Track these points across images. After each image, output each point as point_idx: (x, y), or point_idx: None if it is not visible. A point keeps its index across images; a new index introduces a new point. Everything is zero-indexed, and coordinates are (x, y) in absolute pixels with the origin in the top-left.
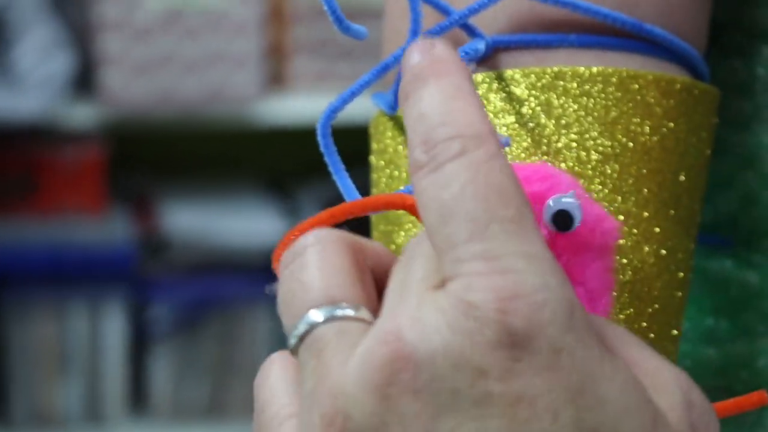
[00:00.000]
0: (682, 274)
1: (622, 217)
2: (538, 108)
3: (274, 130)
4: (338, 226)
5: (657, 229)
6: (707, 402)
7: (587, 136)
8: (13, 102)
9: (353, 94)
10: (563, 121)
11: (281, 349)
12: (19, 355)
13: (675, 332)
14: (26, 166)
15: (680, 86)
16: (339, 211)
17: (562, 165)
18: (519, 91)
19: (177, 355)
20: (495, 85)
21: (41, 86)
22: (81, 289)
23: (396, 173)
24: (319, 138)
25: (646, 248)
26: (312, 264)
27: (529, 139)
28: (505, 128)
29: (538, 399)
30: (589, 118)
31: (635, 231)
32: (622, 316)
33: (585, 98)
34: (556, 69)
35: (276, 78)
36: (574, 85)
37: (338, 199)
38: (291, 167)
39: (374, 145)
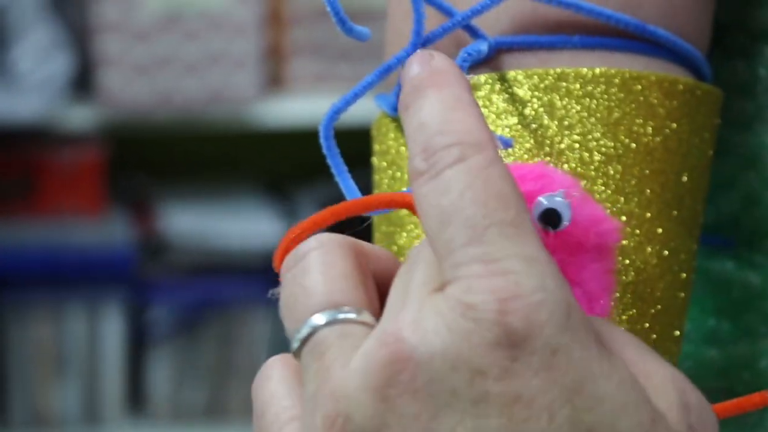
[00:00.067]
0: (684, 275)
1: (624, 218)
2: (541, 109)
3: (273, 132)
4: (341, 230)
5: (660, 230)
6: (705, 402)
7: (590, 137)
8: (12, 103)
9: (356, 96)
10: (566, 122)
11: (280, 351)
12: (18, 356)
13: (677, 333)
14: (25, 167)
15: (683, 87)
16: (340, 209)
17: (565, 166)
18: (522, 92)
19: (176, 357)
20: (498, 87)
21: (40, 87)
22: (79, 291)
23: (398, 174)
24: (322, 139)
25: (649, 249)
26: (314, 268)
27: (531, 140)
28: (507, 129)
29: (536, 399)
30: (592, 119)
31: (638, 232)
32: (624, 317)
33: (588, 99)
34: (558, 70)
35: (275, 79)
36: (577, 86)
37: (337, 200)
38: (290, 169)
39: (376, 147)
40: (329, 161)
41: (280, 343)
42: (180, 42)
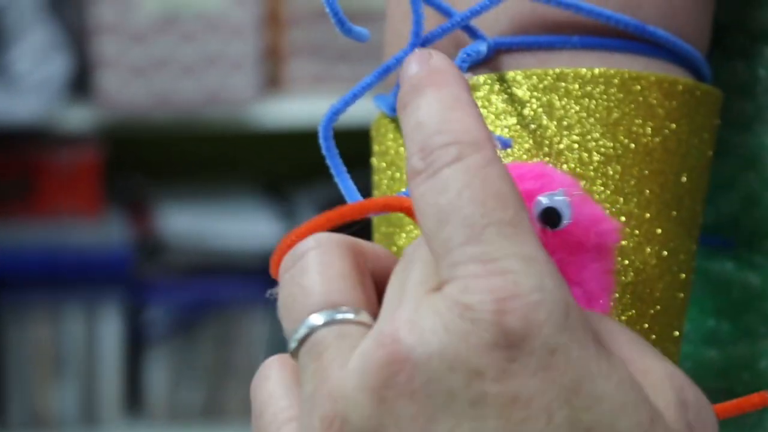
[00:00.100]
0: (684, 276)
1: (623, 219)
2: (540, 109)
3: (271, 133)
4: (340, 229)
5: (659, 231)
6: (703, 399)
7: (589, 137)
8: (9, 104)
9: (355, 97)
10: (565, 123)
11: (278, 351)
12: (16, 357)
13: (677, 333)
14: (23, 168)
15: (682, 88)
16: (338, 214)
17: (564, 166)
18: (521, 92)
19: (173, 358)
20: (497, 87)
21: (38, 89)
22: (77, 292)
23: (397, 175)
24: (321, 140)
25: (648, 249)
26: (312, 268)
27: (530, 141)
28: (506, 130)
29: (534, 399)
30: (591, 120)
31: (637, 232)
32: (623, 318)
33: (587, 99)
34: (558, 70)
35: (273, 81)
36: (576, 86)
37: (335, 201)
38: (288, 170)
39: (375, 147)
40: (328, 162)
41: (278, 344)
42: (177, 43)
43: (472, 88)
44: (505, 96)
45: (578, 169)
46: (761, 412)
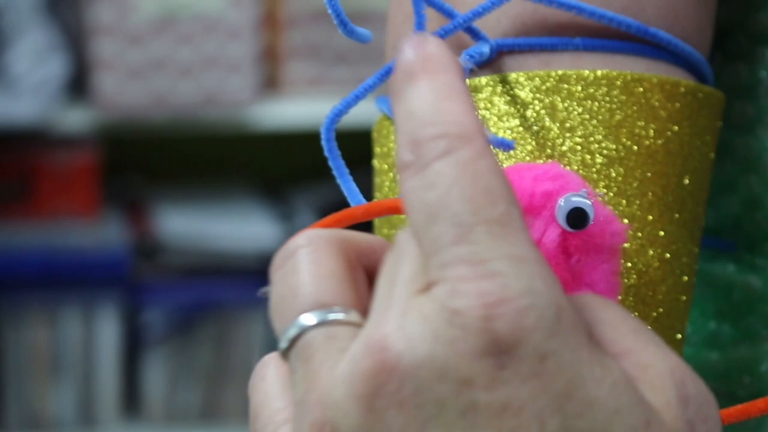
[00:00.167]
0: (686, 278)
1: (626, 221)
2: (543, 111)
3: (269, 134)
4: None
5: (661, 233)
6: (706, 393)
7: (592, 139)
8: (7, 106)
9: (357, 98)
10: (568, 125)
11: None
12: (13, 359)
13: (679, 336)
14: (20, 170)
15: (685, 90)
16: (342, 217)
17: (567, 169)
18: (523, 94)
19: (171, 360)
20: (499, 89)
21: (35, 90)
22: (74, 293)
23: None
24: (323, 142)
25: (651, 252)
26: (302, 267)
27: (533, 143)
28: (509, 131)
29: (525, 407)
30: (594, 122)
31: (640, 234)
32: None
33: (589, 101)
34: (560, 72)
35: (270, 82)
36: (579, 88)
37: (333, 203)
38: (285, 171)
39: (377, 149)
40: (331, 163)
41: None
42: (175, 45)
43: (475, 90)
44: (508, 98)
45: (581, 171)
46: (762, 416)
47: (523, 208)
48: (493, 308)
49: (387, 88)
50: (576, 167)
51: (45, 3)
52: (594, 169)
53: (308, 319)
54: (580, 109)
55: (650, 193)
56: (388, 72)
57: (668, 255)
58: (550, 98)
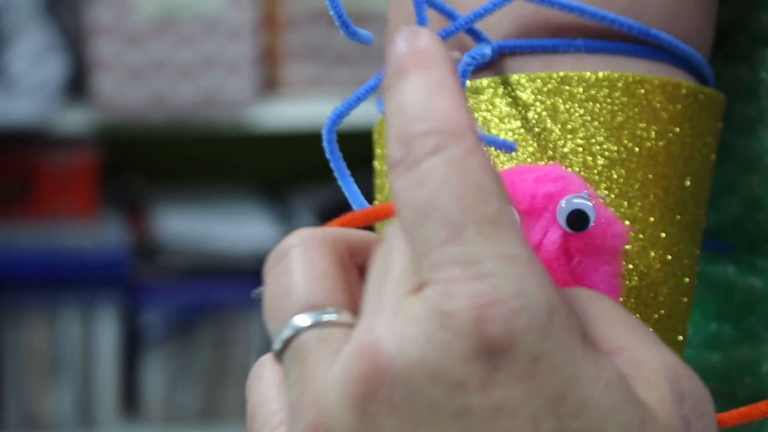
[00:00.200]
0: (687, 280)
1: (628, 222)
2: (544, 113)
3: (268, 135)
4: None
5: (663, 235)
6: (701, 391)
7: (593, 140)
8: (6, 106)
9: (358, 100)
10: (569, 126)
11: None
12: (12, 359)
13: (680, 338)
14: (19, 170)
15: (686, 91)
16: (346, 220)
17: (568, 170)
18: (525, 95)
19: (170, 360)
20: (501, 90)
21: (34, 91)
22: (73, 294)
23: None
24: (325, 144)
25: (652, 253)
26: (294, 268)
27: (535, 144)
28: (510, 133)
29: (519, 409)
30: (595, 123)
31: (641, 236)
32: None
33: (591, 103)
34: (562, 74)
35: (269, 83)
36: (580, 89)
37: (332, 204)
38: (284, 172)
39: (378, 151)
40: (332, 165)
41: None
42: (174, 45)
43: (476, 92)
44: (509, 99)
45: (583, 173)
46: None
47: (524, 209)
48: (484, 310)
49: None
50: (577, 169)
51: (44, 3)
52: (595, 171)
53: (301, 320)
54: (581, 111)
55: (652, 195)
56: None
57: (670, 257)
58: (552, 100)
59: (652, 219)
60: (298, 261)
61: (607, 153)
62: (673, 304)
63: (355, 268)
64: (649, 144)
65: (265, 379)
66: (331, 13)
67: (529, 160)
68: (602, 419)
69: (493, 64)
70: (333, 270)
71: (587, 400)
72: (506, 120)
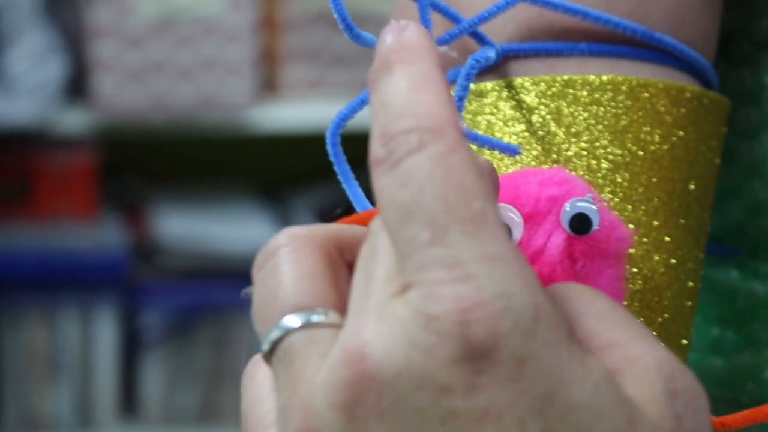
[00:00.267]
0: (691, 284)
1: (632, 226)
2: (549, 116)
3: (267, 137)
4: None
5: (667, 238)
6: (695, 388)
7: (597, 144)
8: (5, 107)
9: (363, 103)
10: (573, 130)
11: None
12: (11, 360)
13: (684, 342)
14: (18, 171)
15: (690, 95)
16: (350, 222)
17: (572, 174)
18: (529, 99)
19: (169, 362)
20: (505, 93)
21: (34, 92)
22: (72, 295)
23: None
24: (329, 146)
25: (656, 257)
26: (282, 269)
27: (539, 147)
28: (515, 136)
29: (505, 412)
30: (600, 127)
31: (645, 240)
32: None
33: (595, 106)
34: (566, 77)
35: (269, 85)
36: (585, 93)
37: (331, 205)
38: (283, 174)
39: None
40: (336, 168)
41: None
42: (174, 47)
43: (480, 95)
44: (514, 102)
45: (587, 177)
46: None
47: (528, 212)
48: (468, 313)
49: None
50: (581, 172)
51: (44, 4)
52: (599, 174)
53: (290, 321)
54: (585, 114)
55: (656, 199)
56: None
57: (674, 260)
58: (556, 103)
59: (656, 223)
60: (285, 261)
61: (611, 156)
62: (677, 308)
63: (343, 265)
64: (653, 148)
65: (258, 379)
66: (335, 15)
67: (533, 163)
68: (590, 420)
69: (497, 68)
70: (321, 269)
71: (574, 402)
72: (510, 123)
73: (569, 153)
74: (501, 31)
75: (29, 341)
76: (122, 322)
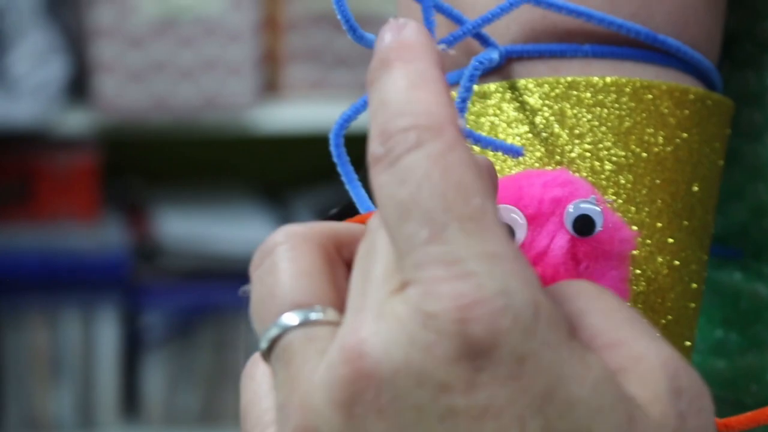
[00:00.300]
0: (695, 286)
1: (635, 228)
2: (552, 118)
3: (269, 138)
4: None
5: (670, 240)
6: (699, 386)
7: (601, 146)
8: (7, 108)
9: (366, 104)
10: (577, 131)
11: None
12: (13, 361)
13: (688, 343)
14: (20, 172)
15: (694, 97)
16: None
17: (576, 175)
18: (532, 100)
19: (170, 362)
20: (508, 95)
21: (35, 92)
22: (74, 296)
23: None
24: (332, 147)
25: (660, 259)
26: (280, 267)
27: (542, 149)
28: (518, 138)
29: (504, 410)
30: (603, 128)
31: (649, 242)
32: None
33: (599, 108)
34: (569, 79)
35: (270, 85)
36: (588, 95)
37: (332, 206)
38: (285, 175)
39: None
40: (339, 169)
41: None
42: (175, 47)
43: (484, 96)
44: (517, 104)
45: (590, 178)
46: None
47: (531, 214)
48: (467, 311)
49: None
50: (585, 174)
51: (45, 5)
52: (603, 176)
53: (288, 319)
54: (589, 116)
55: (659, 200)
56: None
57: (677, 262)
58: (560, 105)
59: (659, 224)
60: (283, 259)
61: (614, 158)
62: (681, 310)
63: (341, 262)
64: (656, 149)
65: (257, 378)
66: (338, 16)
67: (536, 164)
68: (590, 418)
69: (500, 69)
70: (319, 266)
71: (575, 400)
72: (514, 125)
73: (573, 154)
74: (504, 32)
75: (31, 342)
76: (123, 323)
